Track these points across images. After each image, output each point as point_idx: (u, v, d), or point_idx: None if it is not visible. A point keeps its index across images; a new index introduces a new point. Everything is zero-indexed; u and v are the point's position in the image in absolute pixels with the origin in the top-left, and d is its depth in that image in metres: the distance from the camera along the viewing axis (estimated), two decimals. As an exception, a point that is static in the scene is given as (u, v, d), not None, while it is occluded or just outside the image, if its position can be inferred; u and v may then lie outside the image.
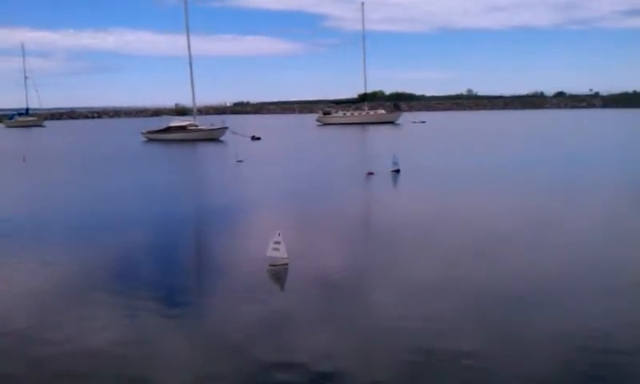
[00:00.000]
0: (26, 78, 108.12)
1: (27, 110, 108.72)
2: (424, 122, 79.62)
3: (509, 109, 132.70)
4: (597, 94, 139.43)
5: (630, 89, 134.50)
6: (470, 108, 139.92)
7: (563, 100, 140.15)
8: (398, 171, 25.48)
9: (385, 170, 25.84)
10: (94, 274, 11.58)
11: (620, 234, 14.18)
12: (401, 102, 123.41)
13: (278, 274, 11.23)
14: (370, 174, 25.62)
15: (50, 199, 21.48)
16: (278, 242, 11.62)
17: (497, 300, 9.58)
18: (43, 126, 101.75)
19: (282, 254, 11.60)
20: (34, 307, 9.68)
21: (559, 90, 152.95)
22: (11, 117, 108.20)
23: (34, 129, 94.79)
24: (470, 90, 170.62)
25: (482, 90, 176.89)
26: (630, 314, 8.81)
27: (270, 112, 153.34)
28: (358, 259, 12.56)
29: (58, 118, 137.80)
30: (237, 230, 16.09)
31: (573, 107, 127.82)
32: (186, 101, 65.68)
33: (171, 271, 11.80)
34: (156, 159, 39.71)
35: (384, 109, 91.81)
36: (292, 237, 12.58)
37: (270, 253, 11.67)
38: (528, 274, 10.91)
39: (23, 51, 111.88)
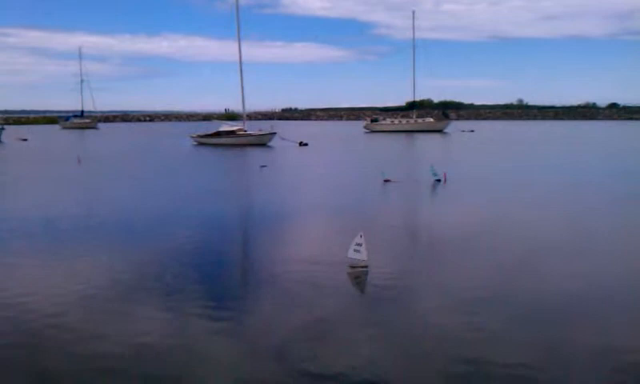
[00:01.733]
0: (82, 81, 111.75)
1: (82, 112, 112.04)
2: (473, 131, 78.70)
3: (560, 119, 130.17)
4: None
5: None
6: (520, 118, 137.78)
7: (616, 112, 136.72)
8: (438, 181, 25.42)
9: (425, 179, 25.83)
10: (161, 272, 11.90)
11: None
12: (449, 110, 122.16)
13: (360, 276, 11.36)
14: (387, 181, 25.70)
15: (103, 202, 21.87)
16: (359, 244, 11.71)
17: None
18: (97, 128, 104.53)
19: (362, 256, 11.67)
20: (85, 304, 9.94)
21: (612, 101, 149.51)
22: (67, 118, 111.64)
23: (87, 131, 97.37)
24: (520, 100, 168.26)
25: (533, 99, 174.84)
26: None
27: (317, 118, 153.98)
28: (422, 261, 12.70)
29: (111, 121, 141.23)
30: (290, 232, 16.50)
31: (626, 119, 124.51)
32: (235, 106, 66.61)
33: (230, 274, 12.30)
34: (205, 163, 40.40)
35: (432, 117, 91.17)
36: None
37: (352, 254, 11.78)
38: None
39: (80, 55, 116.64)
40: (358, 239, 11.75)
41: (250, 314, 9.53)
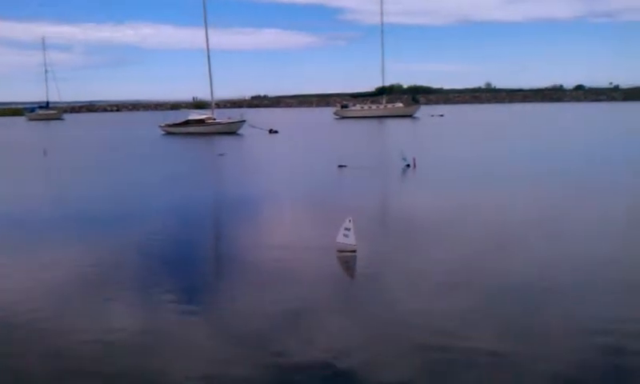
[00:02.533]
0: (46, 71, 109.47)
1: (48, 103, 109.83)
2: (442, 116, 79.21)
3: (527, 102, 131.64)
4: (617, 88, 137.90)
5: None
6: (489, 101, 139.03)
7: (583, 93, 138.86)
8: (408, 166, 25.44)
9: (394, 165, 25.84)
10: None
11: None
12: (419, 95, 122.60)
13: (349, 260, 11.40)
14: (342, 166, 25.81)
15: (70, 194, 21.42)
16: (348, 229, 11.73)
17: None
18: (62, 119, 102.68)
19: (351, 240, 11.69)
20: (56, 299, 9.73)
21: (579, 83, 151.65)
22: (32, 110, 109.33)
23: (53, 122, 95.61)
24: (488, 84, 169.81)
25: (501, 83, 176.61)
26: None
27: (287, 105, 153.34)
28: (398, 247, 12.75)
29: (77, 111, 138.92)
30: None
31: (592, 100, 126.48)
32: (203, 94, 65.63)
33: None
34: (174, 153, 39.86)
35: (402, 102, 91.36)
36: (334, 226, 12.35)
37: (341, 239, 11.80)
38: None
39: (44, 45, 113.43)
40: (346, 224, 11.76)
41: (232, 301, 9.49)
